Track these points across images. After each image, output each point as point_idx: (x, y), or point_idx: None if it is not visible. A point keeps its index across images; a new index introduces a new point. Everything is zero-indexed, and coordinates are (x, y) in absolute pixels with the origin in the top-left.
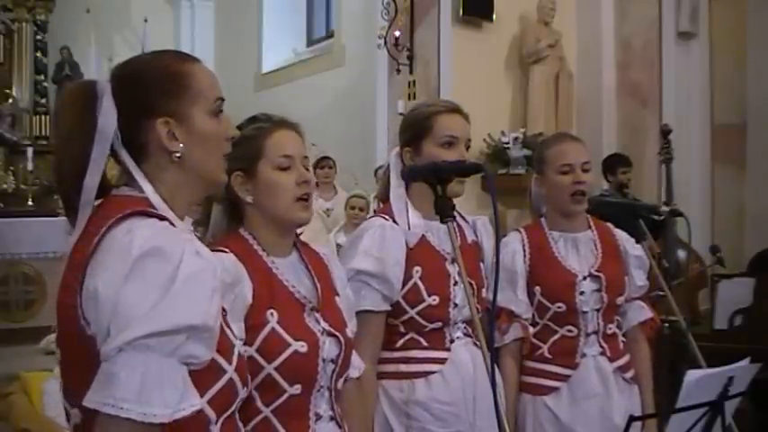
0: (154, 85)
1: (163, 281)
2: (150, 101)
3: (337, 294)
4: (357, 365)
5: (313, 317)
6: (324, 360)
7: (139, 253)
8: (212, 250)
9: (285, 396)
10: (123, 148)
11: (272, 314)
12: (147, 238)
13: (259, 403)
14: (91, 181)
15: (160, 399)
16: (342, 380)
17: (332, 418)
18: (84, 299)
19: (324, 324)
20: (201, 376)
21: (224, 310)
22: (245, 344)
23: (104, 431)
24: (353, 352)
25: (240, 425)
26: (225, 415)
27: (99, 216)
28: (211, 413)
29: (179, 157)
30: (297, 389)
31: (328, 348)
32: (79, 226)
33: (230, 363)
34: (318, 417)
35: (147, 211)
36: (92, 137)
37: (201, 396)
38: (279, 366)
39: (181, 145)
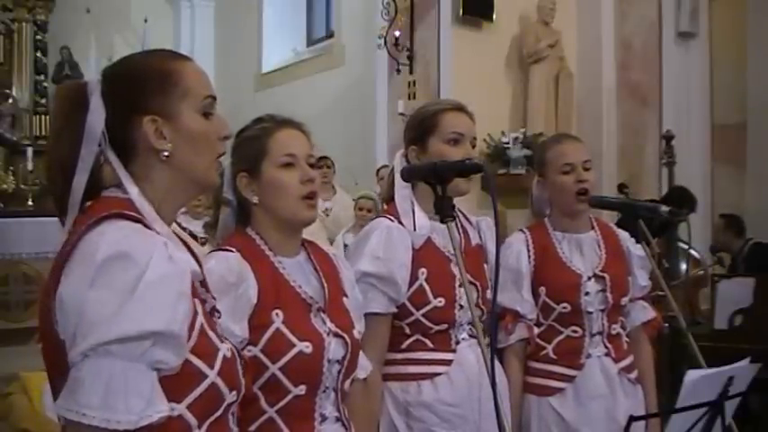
0: (142, 83)
1: (126, 286)
2: (138, 99)
3: (345, 295)
4: (364, 366)
5: (319, 317)
6: (329, 361)
7: (104, 257)
8: (218, 249)
9: (289, 396)
10: (110, 148)
11: (277, 314)
12: (114, 242)
13: (263, 403)
14: (78, 181)
15: (124, 405)
16: (348, 381)
17: (338, 420)
18: (56, 303)
19: (330, 325)
20: (179, 381)
21: (218, 312)
22: (249, 343)
23: None
24: (361, 353)
25: (233, 427)
26: (209, 420)
27: (83, 218)
28: (192, 419)
29: (167, 156)
30: (301, 389)
31: (334, 349)
32: (66, 227)
33: (212, 367)
34: (324, 418)
35: (124, 214)
36: (81, 136)
37: (180, 402)
38: (283, 367)
39: (169, 144)
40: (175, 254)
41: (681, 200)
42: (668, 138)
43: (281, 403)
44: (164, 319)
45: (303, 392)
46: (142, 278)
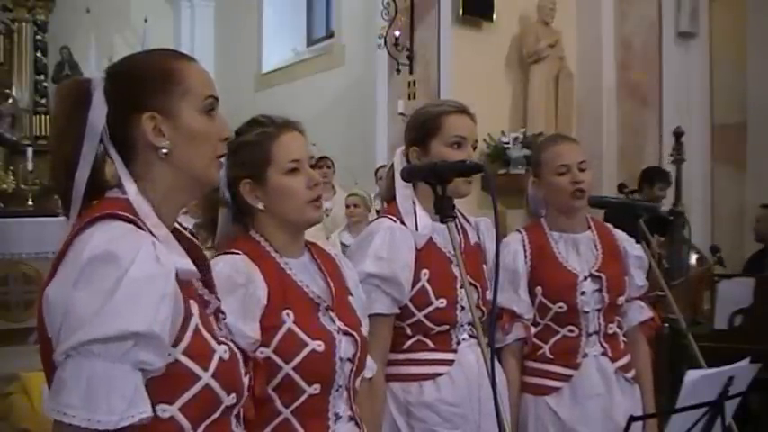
0: (143, 81)
1: (108, 286)
2: (138, 97)
3: (350, 294)
4: (370, 366)
5: (328, 316)
6: (341, 359)
7: (89, 257)
8: (223, 253)
9: (304, 396)
10: (112, 145)
11: (287, 314)
12: (100, 243)
13: (278, 404)
14: (80, 176)
15: (106, 405)
16: (359, 379)
17: (351, 418)
18: (43, 302)
19: (339, 323)
20: (169, 383)
21: (222, 313)
22: (261, 345)
23: None
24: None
25: (235, 430)
26: (206, 422)
27: (83, 218)
28: (185, 421)
29: (165, 154)
30: (315, 388)
31: (345, 347)
32: (71, 222)
33: (206, 369)
34: (338, 417)
35: (117, 214)
36: (83, 133)
37: (172, 403)
38: (296, 366)
39: (167, 141)
40: (163, 255)
41: (655, 177)
42: (678, 134)
43: (296, 403)
44: (145, 320)
45: (317, 391)
46: (124, 279)
